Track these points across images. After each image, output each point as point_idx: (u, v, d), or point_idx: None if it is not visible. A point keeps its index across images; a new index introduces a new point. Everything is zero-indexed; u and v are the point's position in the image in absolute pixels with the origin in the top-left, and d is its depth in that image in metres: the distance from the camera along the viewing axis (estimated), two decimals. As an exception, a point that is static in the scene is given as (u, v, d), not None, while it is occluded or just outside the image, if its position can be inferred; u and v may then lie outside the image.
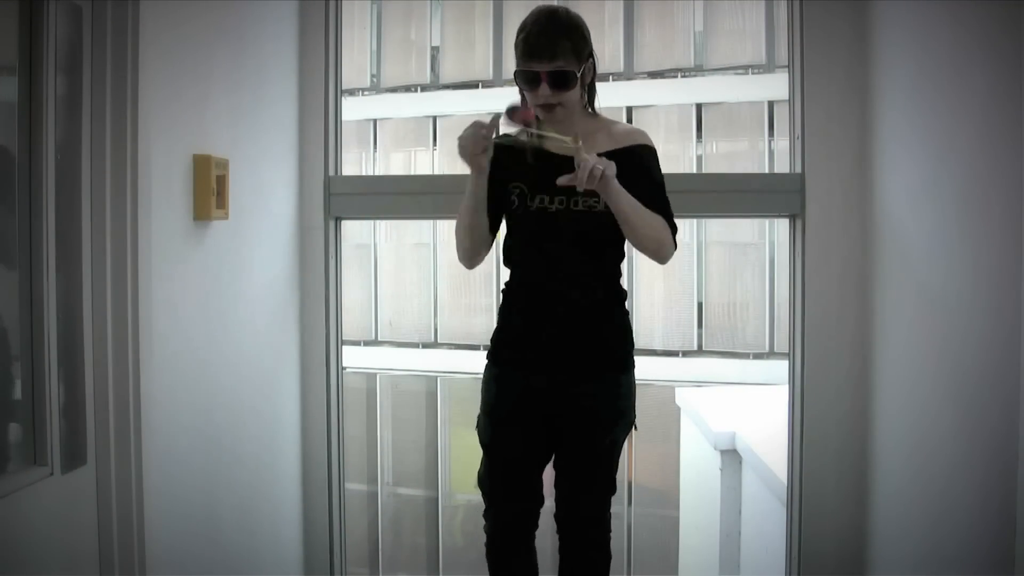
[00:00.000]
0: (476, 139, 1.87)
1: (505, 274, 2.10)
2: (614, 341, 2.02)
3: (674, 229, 1.99)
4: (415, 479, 8.74)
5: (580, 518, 2.05)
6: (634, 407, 2.07)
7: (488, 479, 2.11)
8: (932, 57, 2.03)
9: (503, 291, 2.08)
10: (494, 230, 2.06)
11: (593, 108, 2.05)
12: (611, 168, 1.83)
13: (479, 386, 2.10)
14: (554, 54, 1.89)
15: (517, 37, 1.95)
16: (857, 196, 2.41)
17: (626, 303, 2.06)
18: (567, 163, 1.89)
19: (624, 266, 2.05)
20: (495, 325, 2.09)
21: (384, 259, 8.92)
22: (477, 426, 2.11)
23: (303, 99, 2.64)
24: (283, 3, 2.58)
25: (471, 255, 2.06)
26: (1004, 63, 1.63)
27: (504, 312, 2.07)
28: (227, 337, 2.27)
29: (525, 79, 1.93)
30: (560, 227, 1.96)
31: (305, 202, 2.65)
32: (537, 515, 2.12)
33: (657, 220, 1.94)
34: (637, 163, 1.97)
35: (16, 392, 1.68)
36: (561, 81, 1.91)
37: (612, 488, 2.07)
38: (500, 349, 2.06)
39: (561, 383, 1.98)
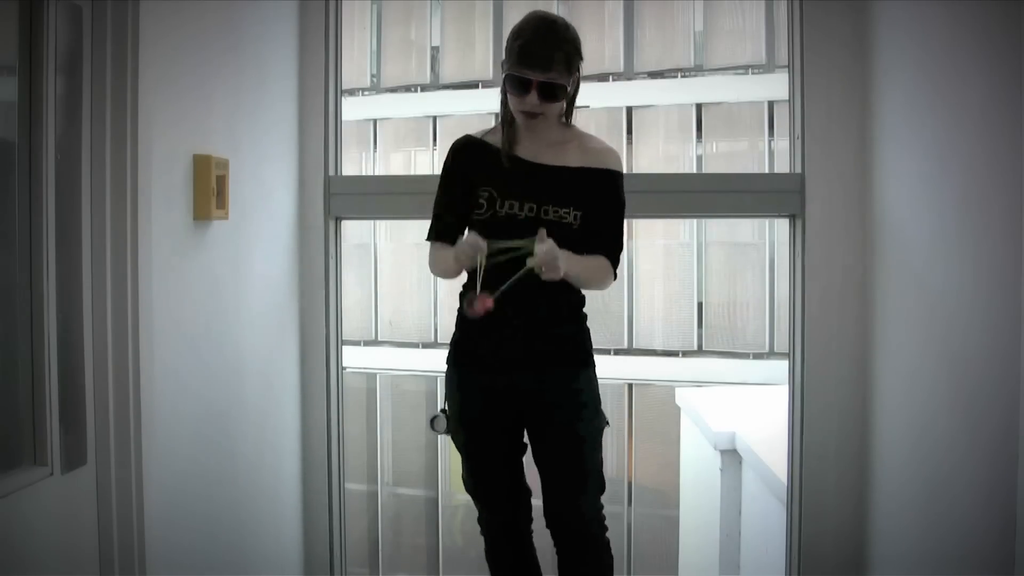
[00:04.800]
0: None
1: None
2: (572, 338, 2.04)
3: (616, 262, 2.01)
4: (415, 479, 8.74)
5: (575, 518, 2.03)
6: (599, 401, 2.07)
7: (472, 481, 2.12)
8: (932, 57, 2.03)
9: (462, 293, 2.05)
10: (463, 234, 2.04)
11: (569, 120, 2.05)
12: (558, 265, 1.84)
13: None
14: (549, 65, 1.89)
15: (512, 41, 1.93)
16: (857, 196, 2.41)
17: (583, 310, 2.07)
18: (541, 170, 1.95)
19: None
20: (456, 327, 2.09)
21: (384, 259, 8.92)
22: (449, 431, 2.10)
23: (303, 99, 2.64)
24: (283, 3, 2.58)
25: (446, 275, 2.10)
26: (1004, 63, 1.63)
27: (463, 316, 2.05)
28: (227, 337, 2.27)
29: (516, 85, 1.92)
30: (528, 235, 1.91)
31: (305, 202, 2.65)
32: (529, 507, 2.13)
33: (598, 267, 1.98)
34: (606, 188, 2.00)
35: (16, 392, 1.68)
36: (550, 93, 1.91)
37: (601, 484, 2.05)
38: (461, 353, 2.07)
39: (522, 381, 1.99)
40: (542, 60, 1.89)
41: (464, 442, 2.10)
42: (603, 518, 2.07)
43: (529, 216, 1.94)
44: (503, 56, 1.98)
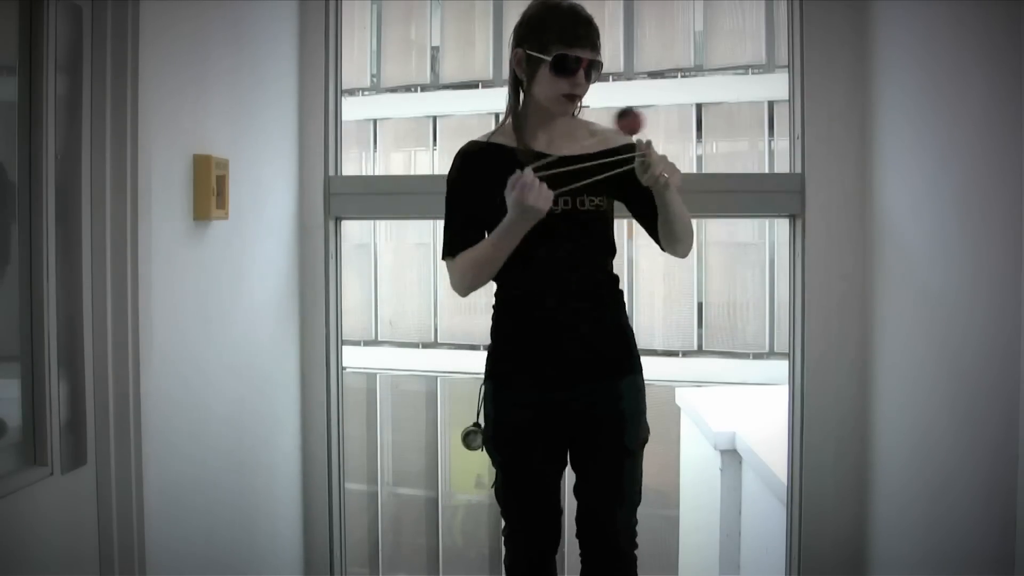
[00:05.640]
0: (539, 191, 1.76)
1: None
2: (617, 346, 1.97)
3: None
4: (415, 479, 8.74)
5: (609, 531, 1.97)
6: (645, 411, 2.00)
7: (509, 498, 2.03)
8: (933, 56, 2.03)
9: (499, 304, 1.99)
10: None
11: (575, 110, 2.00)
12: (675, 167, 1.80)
13: (479, 386, 2.04)
14: (595, 44, 1.86)
15: (543, 24, 1.85)
16: (857, 196, 2.41)
17: (625, 303, 2.05)
18: (566, 162, 1.87)
19: (623, 266, 2.04)
20: (493, 339, 2.00)
21: (384, 259, 8.92)
22: (485, 445, 2.02)
23: (303, 99, 2.64)
24: (283, 3, 2.58)
25: (479, 286, 1.96)
26: (1005, 62, 1.63)
27: (506, 325, 1.97)
28: (227, 337, 2.27)
29: (564, 66, 1.83)
30: (567, 230, 1.88)
31: (305, 202, 2.65)
32: (559, 528, 2.06)
33: (688, 217, 1.92)
34: (642, 160, 1.95)
35: (16, 392, 1.68)
36: (592, 73, 1.87)
37: (638, 498, 2.00)
38: (507, 367, 1.97)
39: (567, 395, 1.92)
40: (590, 39, 1.85)
41: (503, 461, 2.01)
42: (635, 533, 2.02)
43: (565, 209, 1.86)
44: (522, 43, 1.88)
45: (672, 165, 1.82)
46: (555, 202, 1.83)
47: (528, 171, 1.77)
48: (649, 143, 1.83)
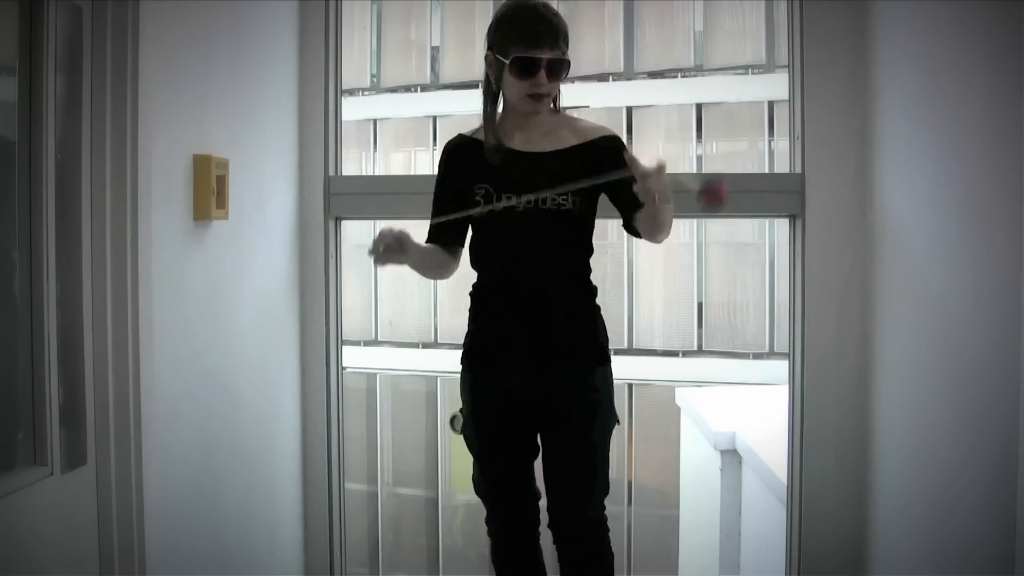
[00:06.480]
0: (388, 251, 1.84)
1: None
2: (590, 335, 2.00)
3: None
4: (415, 479, 8.74)
5: (580, 523, 2.01)
6: (613, 400, 2.05)
7: (484, 485, 2.09)
8: (933, 56, 2.03)
9: (472, 293, 2.05)
10: (462, 240, 2.04)
11: (557, 107, 2.02)
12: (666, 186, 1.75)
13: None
14: (556, 42, 1.88)
15: (506, 27, 1.92)
16: (857, 196, 2.41)
17: (597, 298, 2.04)
18: (539, 159, 1.92)
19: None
20: (468, 328, 2.06)
21: (384, 259, 8.90)
22: (463, 433, 2.08)
23: (303, 99, 2.64)
24: (283, 3, 2.58)
25: (441, 277, 2.08)
26: (1005, 62, 1.63)
27: (476, 315, 2.04)
28: (227, 337, 2.27)
29: (524, 67, 1.88)
30: (529, 226, 1.93)
31: (305, 202, 2.65)
32: (537, 511, 2.11)
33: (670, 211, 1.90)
34: (618, 150, 1.94)
35: (16, 392, 1.68)
36: (559, 71, 1.90)
37: (606, 488, 2.04)
38: (475, 354, 2.04)
39: (541, 383, 1.96)
40: (550, 37, 1.87)
41: (478, 446, 2.06)
42: (605, 519, 2.05)
43: (527, 207, 1.91)
44: (491, 48, 1.95)
45: (666, 194, 1.75)
46: (518, 199, 1.90)
47: (386, 230, 1.84)
48: (660, 168, 1.73)
